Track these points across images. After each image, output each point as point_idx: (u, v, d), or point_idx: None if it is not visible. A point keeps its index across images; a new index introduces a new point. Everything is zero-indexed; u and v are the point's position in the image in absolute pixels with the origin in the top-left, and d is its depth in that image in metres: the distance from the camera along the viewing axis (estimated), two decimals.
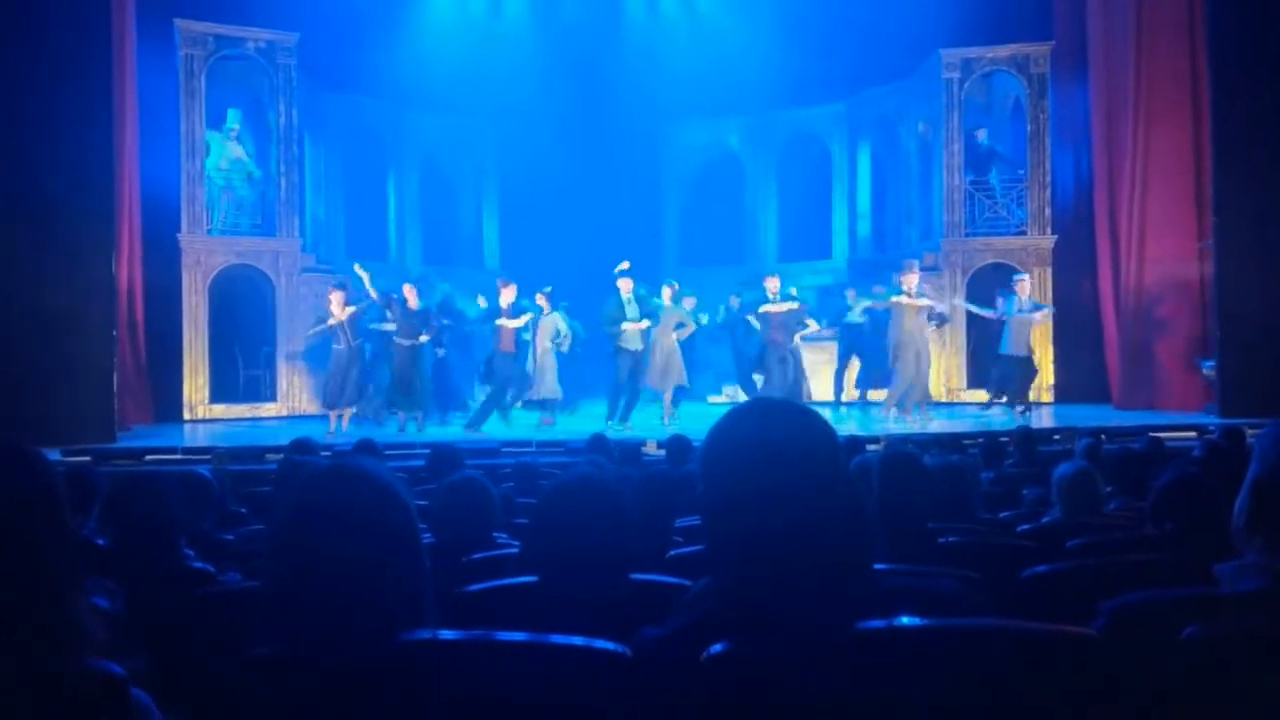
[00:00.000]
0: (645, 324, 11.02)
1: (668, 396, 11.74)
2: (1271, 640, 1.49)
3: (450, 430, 11.39)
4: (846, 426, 11.21)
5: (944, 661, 1.32)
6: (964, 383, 13.88)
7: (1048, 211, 13.94)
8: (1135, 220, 12.65)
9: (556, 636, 1.52)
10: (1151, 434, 7.02)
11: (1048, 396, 12.88)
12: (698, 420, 11.62)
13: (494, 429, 11.12)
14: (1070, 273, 13.74)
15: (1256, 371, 10.82)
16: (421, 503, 4.93)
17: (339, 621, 1.33)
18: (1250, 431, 6.52)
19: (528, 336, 11.63)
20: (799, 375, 11.65)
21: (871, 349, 13.53)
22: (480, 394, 14.06)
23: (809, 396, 11.88)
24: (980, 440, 7.57)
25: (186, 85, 13.01)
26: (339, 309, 10.99)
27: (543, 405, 11.23)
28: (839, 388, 13.77)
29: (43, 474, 1.35)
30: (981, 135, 14.27)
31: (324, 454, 5.70)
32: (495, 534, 3.26)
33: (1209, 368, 11.54)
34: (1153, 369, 12.50)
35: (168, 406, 12.67)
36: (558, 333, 11.78)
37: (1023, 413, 11.80)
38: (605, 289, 11.29)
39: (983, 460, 6.19)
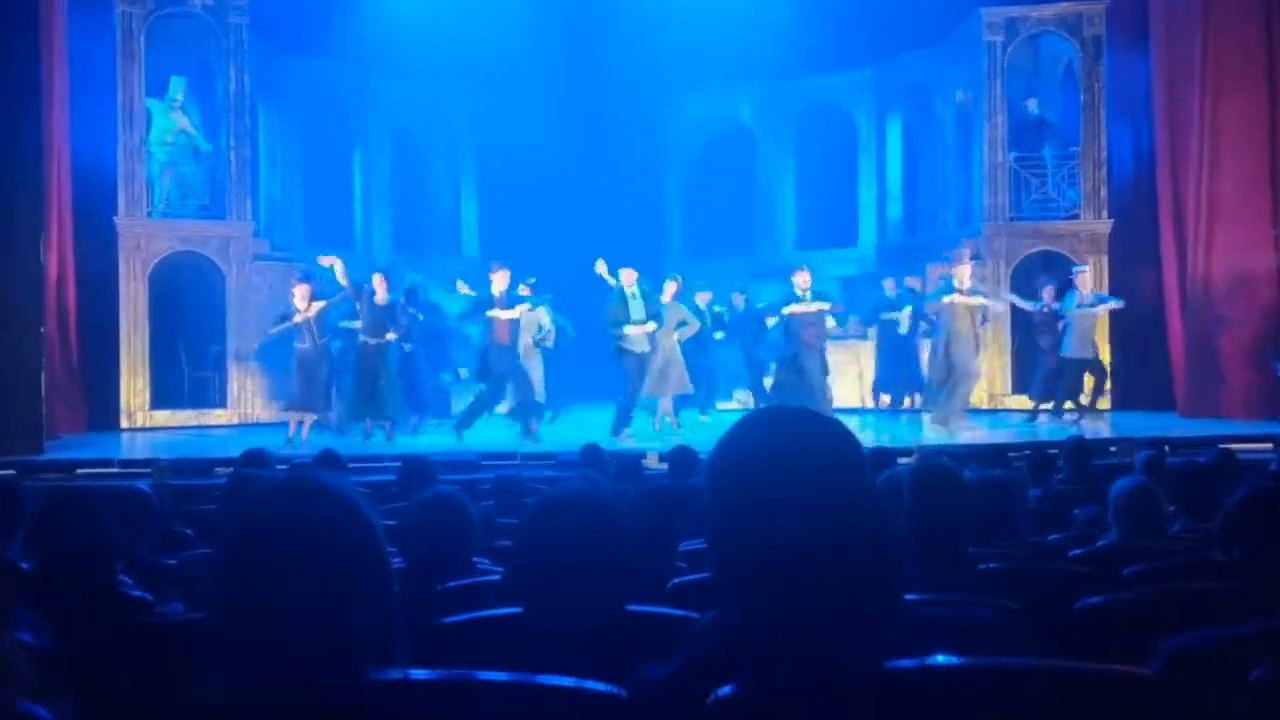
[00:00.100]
0: (651, 327, 11.01)
1: (666, 403, 11.76)
2: None
3: (423, 440, 11.39)
4: (873, 436, 11.21)
5: (982, 705, 1.32)
6: (1008, 387, 13.88)
7: (1103, 192, 13.94)
8: (1203, 203, 12.64)
9: (544, 676, 1.52)
10: (1221, 445, 7.02)
11: (1104, 403, 12.89)
12: (704, 430, 11.64)
13: (475, 437, 11.12)
14: (1129, 262, 13.74)
15: None
16: (390, 523, 4.92)
17: (296, 659, 1.32)
18: None
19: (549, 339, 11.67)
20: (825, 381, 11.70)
21: (900, 348, 13.55)
22: (456, 400, 14.05)
23: (830, 403, 11.89)
24: (1026, 452, 7.57)
25: (124, 47, 12.99)
26: (304, 303, 11.00)
27: (525, 411, 11.21)
28: (888, 393, 13.80)
29: None
30: (1031, 105, 14.24)
31: (280, 467, 5.69)
32: (474, 558, 3.27)
33: None
34: (1223, 371, 12.50)
35: (103, 413, 12.67)
36: (540, 328, 11.81)
37: (1075, 420, 11.82)
38: (597, 283, 11.30)
39: (1029, 475, 6.19)
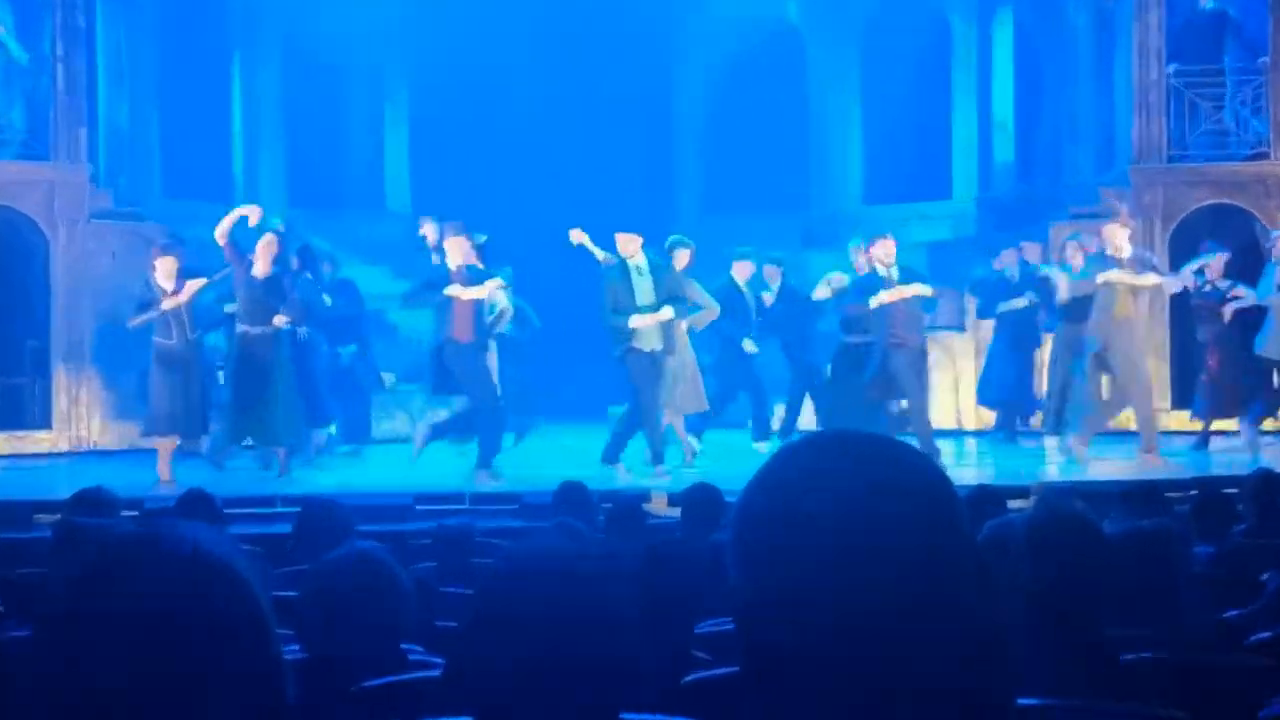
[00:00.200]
0: (667, 314, 11.02)
1: (677, 422, 11.76)
2: None
3: (329, 475, 11.41)
4: (975, 471, 11.20)
5: None
6: (1168, 399, 13.88)
7: None
8: None
9: None
10: None
11: None
12: (733, 461, 11.63)
13: (403, 468, 11.12)
14: None
15: None
16: (285, 594, 4.92)
17: None
18: None
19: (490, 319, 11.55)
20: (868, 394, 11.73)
21: (1020, 347, 13.54)
22: (379, 419, 14.05)
23: (929, 432, 11.90)
24: (1192, 493, 7.57)
25: None
26: (170, 282, 10.97)
27: (486, 436, 11.15)
28: (996, 408, 13.77)
29: None
30: None
31: (126, 514, 5.68)
32: (404, 645, 3.27)
33: None
34: None
35: None
36: (492, 308, 11.79)
37: (1254, 447, 11.82)
38: (574, 259, 11.30)
39: (1196, 525, 6.19)
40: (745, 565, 1.41)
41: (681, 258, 11.82)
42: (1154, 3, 14.16)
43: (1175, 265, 13.14)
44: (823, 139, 17.87)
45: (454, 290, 10.78)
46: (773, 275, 13.47)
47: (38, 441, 13.31)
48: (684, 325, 11.71)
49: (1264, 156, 13.96)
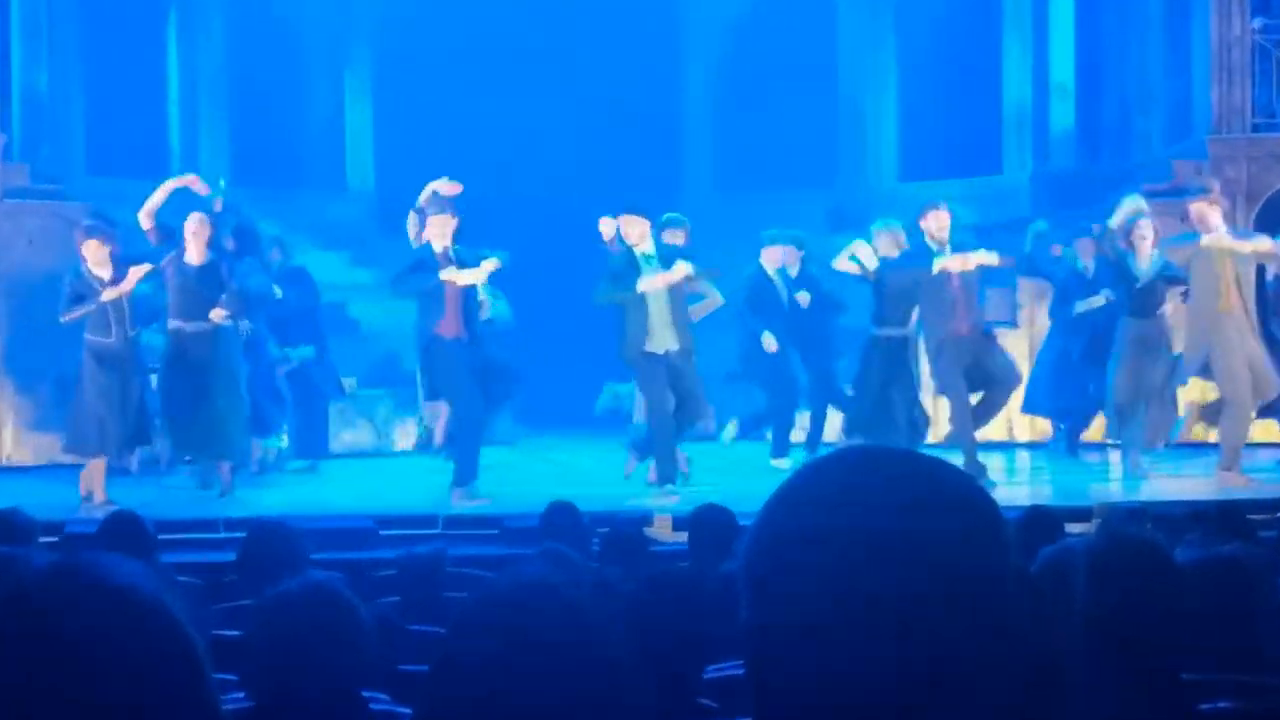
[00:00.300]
0: (683, 270, 10.93)
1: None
2: None
3: (276, 493, 11.40)
4: (1027, 489, 11.18)
5: None
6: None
7: None
8: None
9: None
10: None
11: None
12: (748, 479, 11.63)
13: (364, 489, 11.12)
14: None
15: None
16: (227, 633, 4.90)
17: None
18: None
19: (488, 315, 11.50)
20: (906, 393, 11.73)
21: (1098, 347, 13.48)
22: (337, 428, 14.05)
23: (923, 434, 11.90)
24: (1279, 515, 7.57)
25: None
26: (106, 269, 10.87)
27: (464, 448, 11.15)
28: (1052, 416, 13.72)
29: None
30: None
31: (43, 542, 5.68)
32: (365, 692, 3.28)
33: None
34: None
35: None
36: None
37: None
38: (568, 244, 11.28)
39: None
40: (759, 599, 1.41)
41: (674, 239, 11.75)
42: None
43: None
44: (853, 106, 17.87)
45: (449, 274, 10.70)
46: (791, 259, 13.37)
47: None
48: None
49: None
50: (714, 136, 18.53)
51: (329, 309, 14.08)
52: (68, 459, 11.49)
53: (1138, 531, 3.42)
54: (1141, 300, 11.43)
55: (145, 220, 10.96)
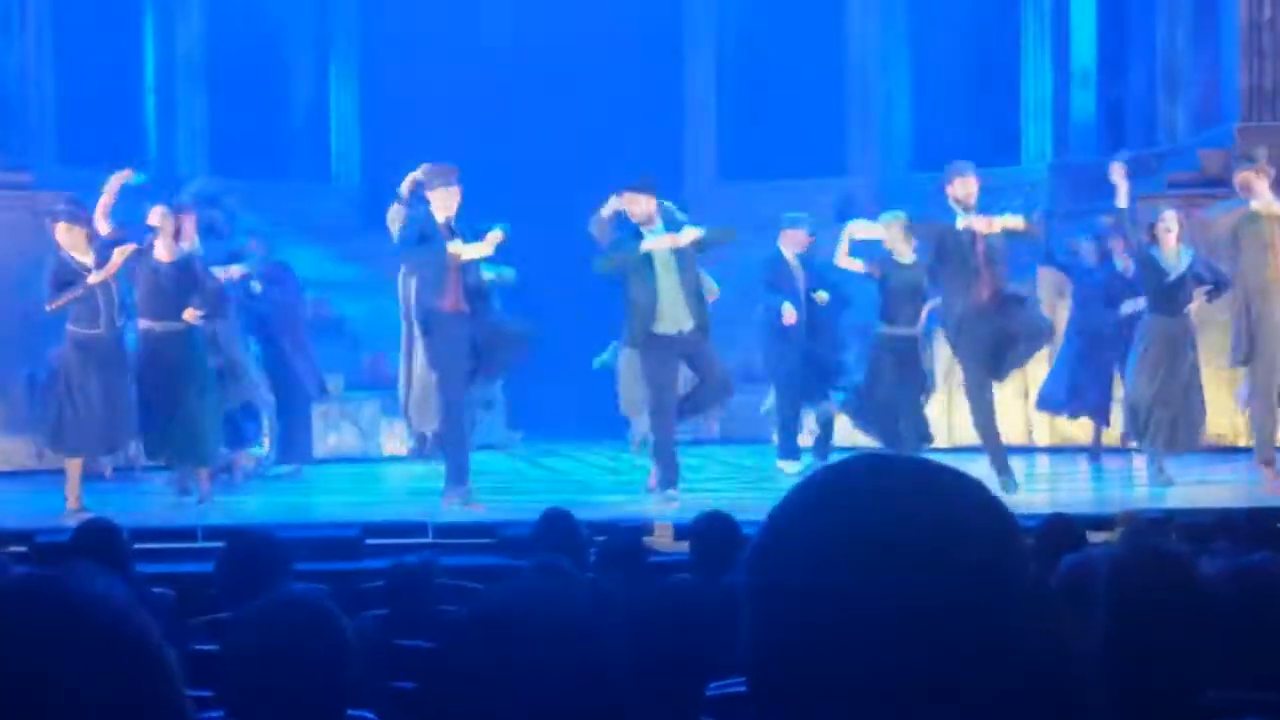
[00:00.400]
0: (692, 234, 10.73)
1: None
2: None
3: (258, 502, 11.39)
4: (1047, 495, 11.17)
5: None
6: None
7: None
8: None
9: None
10: None
11: None
12: (753, 485, 11.64)
13: (350, 496, 11.11)
14: None
15: None
16: (205, 647, 4.89)
17: None
18: None
19: (490, 275, 11.37)
20: (914, 397, 11.70)
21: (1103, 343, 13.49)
22: (324, 430, 14.05)
23: (926, 438, 11.87)
24: None
25: None
26: (86, 254, 10.77)
27: (452, 448, 11.14)
28: (1071, 414, 13.71)
29: None
30: None
31: (13, 550, 5.68)
32: (351, 711, 3.27)
33: None
34: None
35: None
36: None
37: None
38: (563, 238, 11.21)
39: None
40: (763, 613, 1.41)
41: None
42: None
43: None
44: (864, 92, 17.87)
45: (456, 247, 10.63)
46: (798, 240, 13.29)
47: None
48: None
49: None
50: (718, 123, 18.51)
51: (312, 306, 14.07)
52: (37, 463, 11.47)
53: (1161, 542, 3.41)
54: (1169, 297, 11.42)
55: (102, 225, 10.87)
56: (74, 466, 10.77)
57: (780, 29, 17.87)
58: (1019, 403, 14.46)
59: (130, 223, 11.14)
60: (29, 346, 11.76)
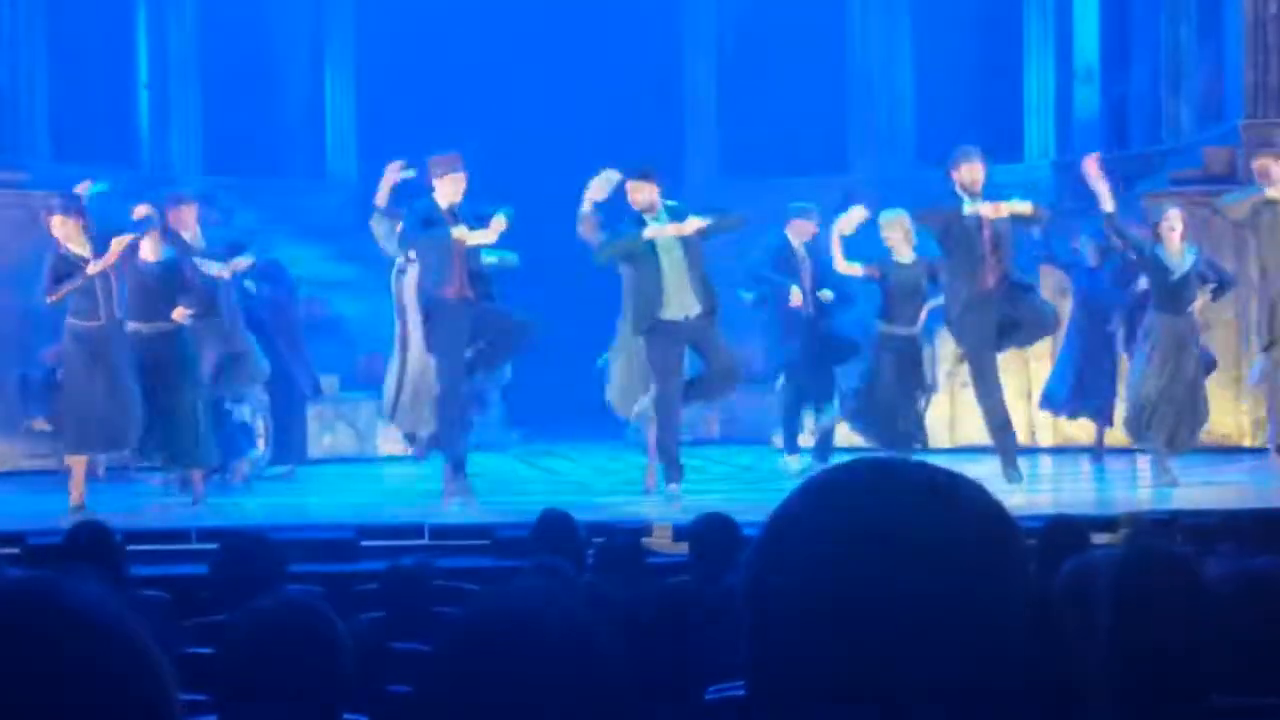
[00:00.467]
0: (695, 224, 10.66)
1: (652, 435, 11.65)
2: None
3: (253, 503, 11.39)
4: (1050, 495, 11.17)
5: None
6: None
7: None
8: None
9: None
10: None
11: None
12: (754, 485, 11.63)
13: (340, 496, 11.10)
14: None
15: None
16: (199, 650, 4.87)
17: None
18: None
19: (493, 260, 11.34)
20: (913, 397, 11.66)
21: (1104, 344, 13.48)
22: (320, 433, 14.06)
23: (922, 439, 11.88)
24: None
25: None
26: (82, 245, 10.73)
27: (449, 441, 11.11)
28: (1073, 413, 13.68)
29: None
30: None
31: (4, 552, 5.67)
32: (347, 716, 3.28)
33: None
34: None
35: None
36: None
37: None
38: (559, 234, 11.18)
39: None
40: (762, 616, 1.41)
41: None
42: None
43: None
44: (867, 88, 17.85)
45: (460, 233, 10.59)
46: (806, 227, 13.38)
47: None
48: None
49: None
50: (719, 118, 18.50)
51: (306, 305, 14.06)
52: (28, 464, 11.46)
53: (1165, 544, 3.41)
54: (1174, 295, 11.40)
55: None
56: (77, 464, 10.75)
57: (782, 24, 17.85)
58: (1022, 403, 14.45)
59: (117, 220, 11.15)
60: (24, 345, 11.75)
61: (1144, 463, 11.95)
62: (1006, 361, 13.71)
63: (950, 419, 14.07)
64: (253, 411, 13.06)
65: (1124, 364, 13.11)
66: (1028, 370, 14.50)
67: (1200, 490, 11.14)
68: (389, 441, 14.42)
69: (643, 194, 10.73)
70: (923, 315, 11.91)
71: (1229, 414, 13.29)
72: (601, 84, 17.01)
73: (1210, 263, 11.61)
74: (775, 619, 1.40)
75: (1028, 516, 6.86)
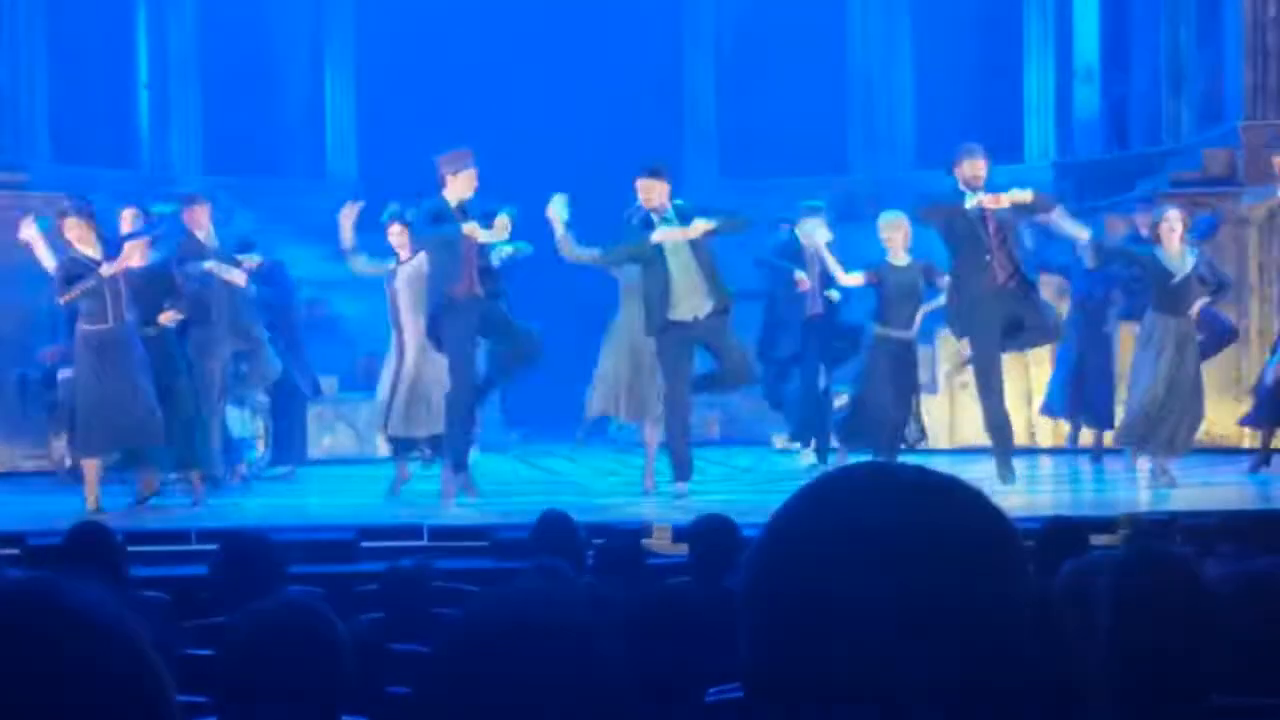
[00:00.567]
0: (702, 227, 10.62)
1: (651, 435, 11.62)
2: None
3: (252, 504, 11.40)
4: (1050, 498, 11.18)
5: None
6: None
7: None
8: None
9: None
10: None
11: None
12: (757, 484, 11.62)
13: (343, 497, 11.10)
14: None
15: None
16: (199, 651, 4.87)
17: None
18: None
19: (508, 250, 11.32)
20: (908, 400, 11.67)
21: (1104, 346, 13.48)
22: (318, 434, 14.06)
23: (921, 437, 11.88)
24: None
25: None
26: (92, 247, 10.73)
27: (452, 444, 11.12)
28: (1070, 418, 13.67)
29: None
30: None
31: (4, 553, 5.67)
32: (345, 715, 3.27)
33: None
34: None
35: None
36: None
37: None
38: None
39: None
40: (761, 618, 1.41)
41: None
42: None
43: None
44: (866, 89, 17.86)
45: (471, 229, 10.55)
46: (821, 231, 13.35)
47: None
48: None
49: None
50: (718, 118, 18.50)
51: (306, 306, 14.05)
52: (27, 465, 11.46)
53: (1165, 545, 3.41)
54: (1175, 297, 11.38)
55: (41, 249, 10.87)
56: (91, 467, 10.75)
57: (782, 25, 17.85)
58: (1022, 406, 14.45)
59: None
60: (24, 345, 11.74)
61: (1143, 464, 11.94)
62: (1007, 365, 13.72)
63: (949, 420, 14.07)
64: (253, 413, 13.07)
65: (1123, 364, 13.13)
66: (1028, 375, 14.51)
67: (1199, 491, 11.13)
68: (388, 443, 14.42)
69: (654, 192, 10.70)
70: (918, 319, 11.90)
71: (1227, 415, 13.29)
72: (601, 84, 17.01)
73: (1210, 264, 11.60)
74: (775, 620, 1.40)
75: (1027, 518, 6.87)
